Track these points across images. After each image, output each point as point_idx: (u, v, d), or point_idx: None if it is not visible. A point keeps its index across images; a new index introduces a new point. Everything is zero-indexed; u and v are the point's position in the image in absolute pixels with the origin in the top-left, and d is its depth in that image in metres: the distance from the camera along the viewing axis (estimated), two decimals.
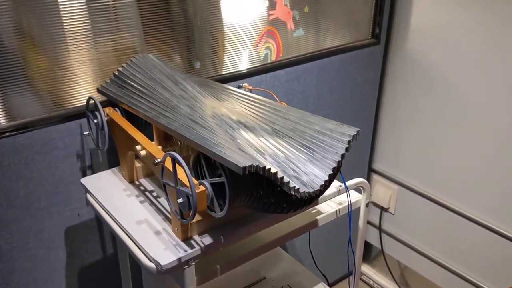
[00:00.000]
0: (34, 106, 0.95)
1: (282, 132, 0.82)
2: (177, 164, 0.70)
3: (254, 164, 0.65)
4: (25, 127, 0.94)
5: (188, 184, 0.68)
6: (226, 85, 1.01)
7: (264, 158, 0.73)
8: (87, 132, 0.96)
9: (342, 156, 0.77)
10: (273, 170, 0.67)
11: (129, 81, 0.93)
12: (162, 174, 0.75)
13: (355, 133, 0.79)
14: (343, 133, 0.80)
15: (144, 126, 0.99)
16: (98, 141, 0.97)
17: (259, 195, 0.74)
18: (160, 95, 0.87)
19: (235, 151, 0.71)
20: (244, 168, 0.65)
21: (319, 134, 0.80)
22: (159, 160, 0.73)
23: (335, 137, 0.79)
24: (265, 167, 0.67)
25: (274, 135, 0.81)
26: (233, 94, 0.96)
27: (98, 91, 0.97)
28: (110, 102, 0.98)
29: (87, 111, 0.95)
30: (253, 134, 0.79)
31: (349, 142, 0.78)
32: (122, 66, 0.96)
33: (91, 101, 0.95)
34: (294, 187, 0.69)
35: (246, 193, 0.72)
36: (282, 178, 0.68)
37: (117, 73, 0.96)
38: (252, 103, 0.91)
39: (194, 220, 0.75)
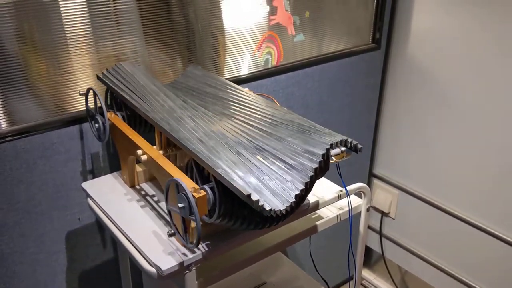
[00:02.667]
0: (35, 111, 0.95)
1: (279, 121, 0.83)
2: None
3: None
4: (26, 132, 0.94)
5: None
6: (224, 80, 1.01)
7: (250, 170, 0.73)
8: (83, 92, 0.95)
9: (341, 143, 0.76)
10: (254, 197, 0.67)
11: (132, 78, 0.93)
12: (167, 199, 0.75)
13: (356, 142, 0.80)
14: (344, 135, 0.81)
15: (148, 131, 0.99)
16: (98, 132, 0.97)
17: (231, 210, 0.74)
18: (164, 103, 0.87)
19: (230, 166, 0.71)
20: (249, 195, 0.65)
21: (318, 127, 0.81)
22: (172, 208, 0.75)
23: (333, 131, 0.80)
24: (249, 194, 0.67)
25: (272, 127, 0.82)
26: (232, 92, 0.96)
27: (98, 78, 0.97)
28: (111, 107, 0.99)
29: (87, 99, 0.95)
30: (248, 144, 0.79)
31: (349, 142, 0.78)
32: (124, 62, 0.96)
33: (91, 93, 0.94)
34: (262, 205, 0.67)
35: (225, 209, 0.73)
36: (250, 195, 0.66)
37: (120, 67, 0.96)
38: (252, 101, 0.92)
39: (194, 225, 0.75)
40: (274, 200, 0.68)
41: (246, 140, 0.79)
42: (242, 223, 0.75)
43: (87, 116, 0.98)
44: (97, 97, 0.92)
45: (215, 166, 0.70)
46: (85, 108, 1.00)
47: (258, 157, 0.75)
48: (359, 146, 0.78)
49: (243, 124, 0.84)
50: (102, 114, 0.92)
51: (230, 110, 0.89)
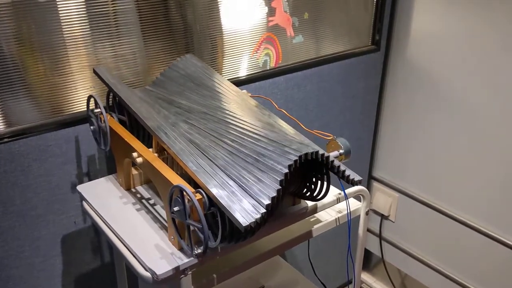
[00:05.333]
0: (32, 112, 0.94)
1: (275, 123, 0.83)
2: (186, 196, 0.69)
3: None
4: (22, 134, 0.93)
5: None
6: (222, 78, 1.00)
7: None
8: (97, 108, 0.93)
9: (309, 153, 0.74)
10: (238, 216, 0.66)
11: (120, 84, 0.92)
12: (171, 205, 0.74)
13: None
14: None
15: (147, 137, 0.97)
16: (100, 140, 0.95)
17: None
18: (158, 112, 0.87)
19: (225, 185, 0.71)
20: (247, 226, 0.64)
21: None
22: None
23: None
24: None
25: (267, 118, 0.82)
26: (229, 90, 0.96)
27: (94, 71, 0.95)
28: (109, 109, 0.98)
29: (89, 111, 0.93)
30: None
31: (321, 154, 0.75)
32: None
33: (92, 100, 0.93)
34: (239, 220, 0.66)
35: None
36: (248, 225, 0.65)
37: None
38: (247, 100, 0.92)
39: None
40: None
41: (240, 128, 0.79)
42: (231, 238, 0.74)
43: (89, 124, 0.96)
44: (98, 104, 0.90)
45: (211, 186, 0.70)
46: (80, 111, 0.99)
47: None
48: (337, 164, 0.76)
49: (237, 115, 0.84)
50: (99, 118, 0.91)
51: (225, 104, 0.88)
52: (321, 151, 0.73)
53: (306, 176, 0.80)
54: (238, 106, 0.89)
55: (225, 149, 0.76)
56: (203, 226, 0.68)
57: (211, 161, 0.74)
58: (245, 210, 0.67)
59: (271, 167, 0.70)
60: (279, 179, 0.68)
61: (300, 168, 0.77)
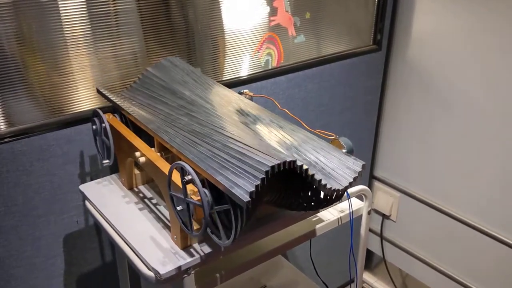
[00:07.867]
0: (33, 112, 0.94)
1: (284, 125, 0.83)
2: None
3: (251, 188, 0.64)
4: (24, 133, 0.93)
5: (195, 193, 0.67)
6: (219, 83, 1.00)
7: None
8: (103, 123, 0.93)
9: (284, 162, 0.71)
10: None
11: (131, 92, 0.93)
12: (170, 186, 0.73)
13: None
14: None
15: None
16: (103, 152, 0.95)
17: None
18: (160, 111, 0.87)
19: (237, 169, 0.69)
20: (248, 202, 0.63)
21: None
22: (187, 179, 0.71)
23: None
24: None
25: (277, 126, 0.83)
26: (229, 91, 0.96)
27: (98, 91, 0.96)
28: (111, 109, 0.98)
29: (94, 130, 0.93)
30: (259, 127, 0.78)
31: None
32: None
33: (96, 113, 0.93)
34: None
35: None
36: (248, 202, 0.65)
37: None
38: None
39: (194, 228, 0.74)
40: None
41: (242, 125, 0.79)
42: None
43: (93, 136, 0.96)
44: (101, 118, 0.90)
45: (214, 174, 0.69)
46: (81, 111, 0.99)
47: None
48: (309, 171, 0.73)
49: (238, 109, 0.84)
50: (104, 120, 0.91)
51: (227, 103, 0.89)
52: (305, 166, 0.71)
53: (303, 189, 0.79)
54: (241, 109, 0.89)
55: (226, 136, 0.75)
56: (201, 196, 0.67)
57: (211, 145, 0.73)
58: (246, 180, 0.66)
59: (272, 152, 0.69)
60: (280, 160, 0.67)
61: (296, 178, 0.76)
